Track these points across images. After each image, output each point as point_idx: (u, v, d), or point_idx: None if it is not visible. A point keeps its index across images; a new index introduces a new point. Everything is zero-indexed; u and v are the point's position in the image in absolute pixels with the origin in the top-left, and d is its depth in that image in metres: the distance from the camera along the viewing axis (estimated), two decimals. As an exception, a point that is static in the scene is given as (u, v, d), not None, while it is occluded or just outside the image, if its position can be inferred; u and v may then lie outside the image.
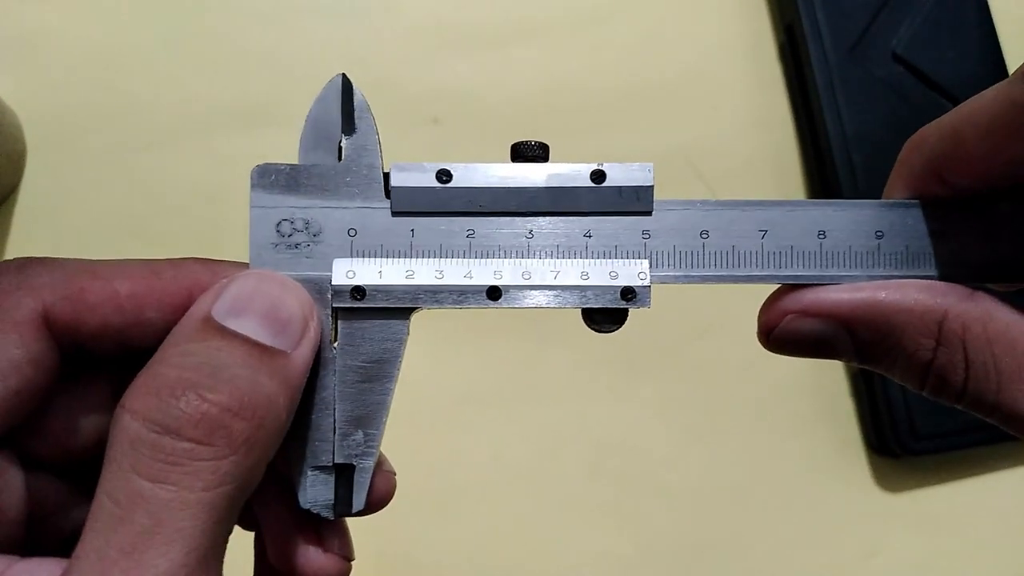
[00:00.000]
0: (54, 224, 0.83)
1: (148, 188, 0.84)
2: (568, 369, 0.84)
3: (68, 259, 0.42)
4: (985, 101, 0.38)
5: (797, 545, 0.83)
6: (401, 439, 0.78)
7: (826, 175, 0.86)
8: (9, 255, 0.82)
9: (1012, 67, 0.87)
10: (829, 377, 0.86)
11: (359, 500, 0.43)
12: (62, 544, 0.42)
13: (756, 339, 0.44)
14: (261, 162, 0.43)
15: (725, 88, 0.91)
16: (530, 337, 0.83)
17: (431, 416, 0.82)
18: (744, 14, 0.93)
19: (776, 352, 0.43)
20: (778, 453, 0.85)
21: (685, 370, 0.85)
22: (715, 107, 0.90)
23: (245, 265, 0.43)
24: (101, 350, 0.42)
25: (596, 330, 0.43)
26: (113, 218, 0.83)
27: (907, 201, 0.43)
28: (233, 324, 0.38)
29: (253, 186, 0.43)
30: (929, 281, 0.42)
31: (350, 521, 0.46)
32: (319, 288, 0.42)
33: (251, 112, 0.85)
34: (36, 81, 0.85)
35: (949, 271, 0.43)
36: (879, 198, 0.45)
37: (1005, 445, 0.84)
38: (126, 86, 0.85)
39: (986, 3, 0.89)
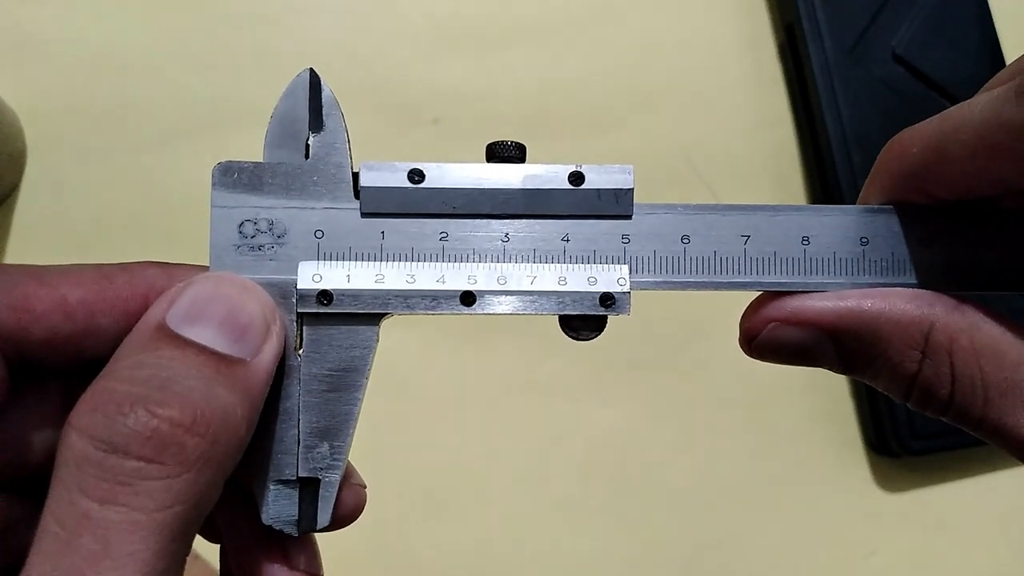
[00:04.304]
0: (54, 224, 0.81)
1: (148, 188, 0.82)
2: (566, 369, 0.82)
3: (13, 265, 0.38)
4: (971, 116, 0.36)
5: (797, 544, 0.82)
6: (398, 440, 0.77)
7: (826, 175, 0.84)
8: (9, 255, 0.80)
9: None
10: (829, 377, 0.84)
11: (324, 516, 0.39)
12: (14, 563, 0.39)
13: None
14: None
15: (725, 88, 0.89)
16: (527, 337, 0.81)
17: (427, 416, 0.80)
18: (744, 14, 0.90)
19: (758, 359, 0.41)
20: (778, 453, 0.83)
21: (684, 370, 0.83)
22: (715, 107, 0.88)
23: (206, 268, 0.39)
24: (51, 360, 0.38)
25: (574, 338, 0.40)
26: (113, 218, 0.81)
27: (893, 207, 0.41)
28: (188, 332, 0.35)
29: (214, 185, 0.39)
30: (916, 290, 0.39)
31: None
32: (283, 292, 0.39)
33: (251, 112, 0.81)
34: (36, 81, 0.82)
35: (935, 279, 0.40)
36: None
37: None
38: (126, 86, 0.83)
39: (986, 3, 0.88)
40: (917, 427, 0.79)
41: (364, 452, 0.41)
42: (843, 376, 0.82)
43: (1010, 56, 0.86)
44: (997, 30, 0.86)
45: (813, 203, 0.85)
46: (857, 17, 0.85)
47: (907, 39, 0.85)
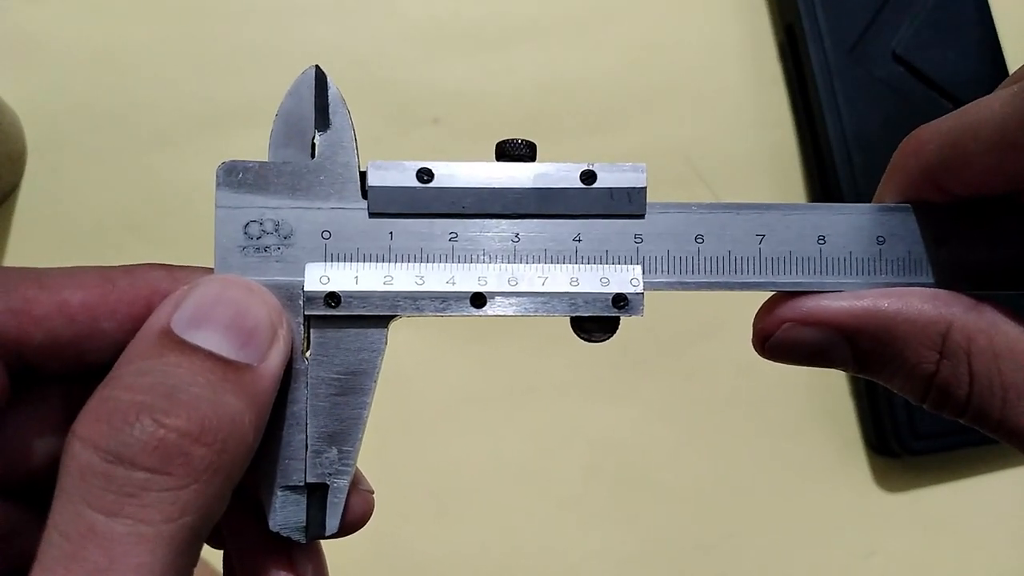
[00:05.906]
0: (54, 224, 0.80)
1: (148, 188, 0.80)
2: (568, 369, 0.81)
3: (12, 268, 0.37)
4: (989, 113, 0.35)
5: (797, 545, 0.81)
6: (400, 440, 0.76)
7: (826, 175, 0.83)
8: (9, 255, 0.79)
9: (1012, 67, 0.83)
10: (829, 377, 0.83)
11: (333, 522, 0.38)
12: (14, 570, 0.37)
13: (754, 341, 0.41)
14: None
15: (725, 88, 0.88)
16: (530, 337, 0.80)
17: (430, 417, 0.79)
18: (744, 14, 0.89)
19: (772, 360, 0.40)
20: (778, 453, 0.82)
21: (685, 370, 0.82)
22: (715, 107, 0.87)
23: (210, 270, 0.38)
24: (52, 365, 0.37)
25: (586, 339, 0.38)
26: (113, 218, 0.80)
27: (909, 205, 0.39)
28: (193, 337, 0.33)
29: (219, 185, 0.38)
30: (933, 290, 0.38)
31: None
32: (290, 294, 0.38)
33: (251, 112, 0.81)
34: (36, 81, 0.81)
35: (953, 279, 0.39)
36: (877, 200, 0.41)
37: (1005, 445, 0.80)
38: (126, 86, 0.82)
39: (986, 3, 0.86)
40: (917, 427, 0.78)
41: (367, 454, 0.40)
42: (844, 376, 0.82)
43: (1010, 56, 0.85)
44: (997, 30, 0.85)
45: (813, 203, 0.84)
46: (857, 17, 0.84)
47: (907, 39, 0.83)
